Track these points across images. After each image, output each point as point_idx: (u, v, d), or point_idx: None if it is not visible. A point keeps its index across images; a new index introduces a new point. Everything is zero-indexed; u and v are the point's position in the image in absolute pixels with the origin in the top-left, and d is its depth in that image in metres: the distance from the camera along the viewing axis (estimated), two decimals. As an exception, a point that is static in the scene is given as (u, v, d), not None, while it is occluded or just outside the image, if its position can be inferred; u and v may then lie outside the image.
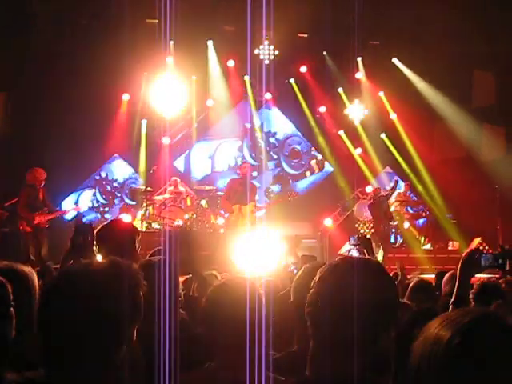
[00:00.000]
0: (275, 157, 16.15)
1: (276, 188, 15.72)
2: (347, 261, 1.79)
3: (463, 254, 3.14)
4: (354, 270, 1.70)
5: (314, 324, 1.73)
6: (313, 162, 16.28)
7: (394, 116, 15.89)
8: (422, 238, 14.10)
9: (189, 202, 13.28)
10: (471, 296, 3.80)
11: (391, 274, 5.17)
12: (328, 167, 16.18)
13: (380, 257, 11.82)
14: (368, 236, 11.35)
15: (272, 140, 16.19)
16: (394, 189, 13.28)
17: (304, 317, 1.74)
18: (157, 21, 14.14)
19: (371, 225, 13.70)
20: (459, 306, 2.95)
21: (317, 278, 1.77)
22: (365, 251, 4.13)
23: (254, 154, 15.89)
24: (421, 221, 14.80)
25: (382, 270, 1.82)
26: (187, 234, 6.30)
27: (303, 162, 16.29)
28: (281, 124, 16.21)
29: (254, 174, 14.71)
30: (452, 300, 3.05)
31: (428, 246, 13.89)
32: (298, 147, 16.33)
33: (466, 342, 1.19)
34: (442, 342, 1.21)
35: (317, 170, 16.27)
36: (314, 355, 1.73)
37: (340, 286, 1.69)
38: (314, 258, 7.03)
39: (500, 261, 3.04)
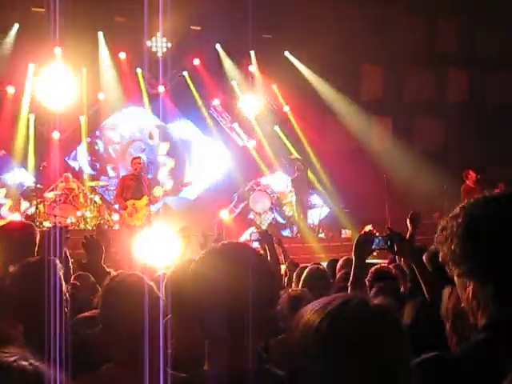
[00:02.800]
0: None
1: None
2: (220, 255, 1.78)
3: (356, 238, 3.27)
4: (226, 263, 1.71)
5: (200, 324, 1.73)
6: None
7: (286, 108, 16.17)
8: (317, 228, 14.45)
9: (81, 199, 12.89)
10: (366, 282, 3.95)
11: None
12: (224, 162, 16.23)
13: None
14: (269, 231, 11.57)
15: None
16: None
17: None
18: (43, 10, 13.66)
19: (289, 199, 14.36)
20: (357, 287, 3.07)
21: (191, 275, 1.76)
22: (266, 246, 4.17)
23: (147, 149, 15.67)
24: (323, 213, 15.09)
25: (262, 259, 1.84)
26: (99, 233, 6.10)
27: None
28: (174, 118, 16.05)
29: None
30: (350, 281, 3.15)
31: (322, 235, 14.25)
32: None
33: (332, 326, 1.21)
34: (311, 327, 1.23)
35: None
36: (209, 351, 1.73)
37: (214, 281, 1.68)
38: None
39: (389, 242, 3.20)
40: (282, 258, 6.14)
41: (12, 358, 1.16)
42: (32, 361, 1.18)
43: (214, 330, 1.67)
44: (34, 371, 1.15)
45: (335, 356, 1.19)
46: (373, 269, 4.14)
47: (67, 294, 2.85)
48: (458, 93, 16.83)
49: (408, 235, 4.21)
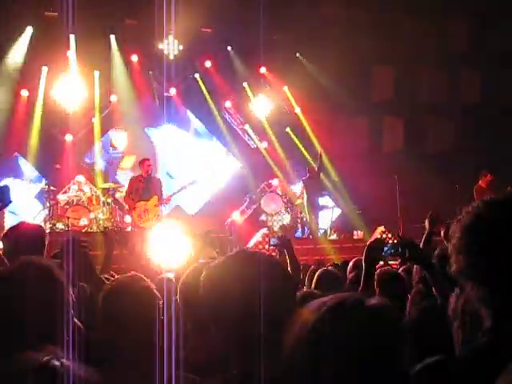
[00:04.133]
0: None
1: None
2: (237, 260, 1.80)
3: (367, 243, 3.29)
4: (245, 267, 1.72)
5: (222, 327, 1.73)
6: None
7: (298, 110, 16.17)
8: (329, 229, 14.43)
9: (94, 201, 12.96)
10: (375, 284, 3.96)
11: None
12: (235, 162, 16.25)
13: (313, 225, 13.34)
14: (280, 233, 11.61)
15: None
16: (320, 160, 13.60)
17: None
18: (56, 13, 13.77)
19: (300, 200, 14.22)
20: (366, 294, 3.08)
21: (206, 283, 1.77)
22: (285, 251, 4.20)
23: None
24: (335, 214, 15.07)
25: (274, 263, 1.85)
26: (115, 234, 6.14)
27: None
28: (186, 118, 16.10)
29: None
30: (360, 288, 3.17)
31: (334, 237, 14.23)
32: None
33: (327, 325, 1.22)
34: (307, 326, 1.24)
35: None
36: (236, 354, 1.73)
37: (234, 288, 1.69)
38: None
39: (399, 249, 3.22)
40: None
41: (45, 358, 1.19)
42: (64, 360, 1.21)
43: (227, 330, 1.70)
44: (65, 371, 1.18)
45: (329, 355, 1.20)
46: (378, 270, 4.15)
47: (73, 296, 2.88)
48: (471, 93, 16.74)
49: (425, 235, 4.21)
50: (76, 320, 2.68)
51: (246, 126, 16.17)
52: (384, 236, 13.05)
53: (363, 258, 3.28)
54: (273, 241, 4.49)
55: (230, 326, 1.68)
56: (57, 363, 1.19)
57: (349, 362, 1.19)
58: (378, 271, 3.99)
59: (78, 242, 3.64)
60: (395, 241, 3.33)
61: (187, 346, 2.57)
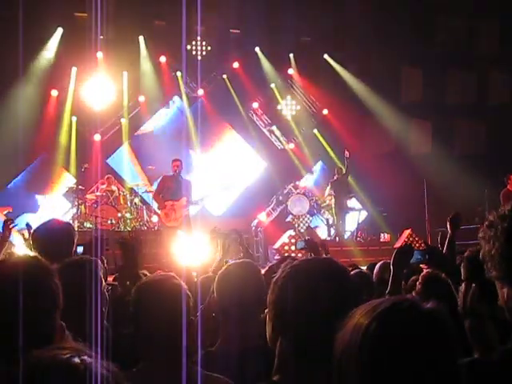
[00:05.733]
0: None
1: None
2: (304, 265, 1.79)
3: (396, 248, 3.29)
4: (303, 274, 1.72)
5: (283, 332, 1.71)
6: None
7: (325, 111, 16.13)
8: (355, 232, 14.35)
9: (122, 201, 13.05)
10: (417, 285, 3.96)
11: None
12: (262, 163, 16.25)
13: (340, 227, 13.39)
14: (306, 235, 11.59)
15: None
16: (348, 162, 13.56)
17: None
18: (86, 14, 13.93)
19: (327, 202, 14.30)
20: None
21: (275, 288, 1.76)
22: (312, 255, 4.20)
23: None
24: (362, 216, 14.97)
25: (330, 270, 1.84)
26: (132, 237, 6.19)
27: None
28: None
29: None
30: (388, 291, 3.16)
31: (360, 239, 14.14)
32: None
33: (382, 328, 1.20)
34: (360, 329, 1.21)
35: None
36: (282, 362, 1.71)
37: (302, 291, 1.68)
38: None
39: (427, 256, 3.24)
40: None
41: (65, 356, 1.19)
42: (85, 357, 1.20)
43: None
44: (86, 369, 1.18)
45: (385, 359, 1.18)
46: (424, 272, 4.12)
47: (107, 294, 2.91)
48: (499, 94, 16.53)
49: (448, 239, 4.16)
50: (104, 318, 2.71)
51: (273, 127, 16.17)
52: (411, 239, 12.95)
53: (391, 261, 3.26)
54: (300, 244, 4.51)
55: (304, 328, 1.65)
56: (77, 360, 1.18)
57: (403, 366, 1.17)
58: (423, 273, 3.96)
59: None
60: (422, 246, 3.34)
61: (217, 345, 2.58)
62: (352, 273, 4.81)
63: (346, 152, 13.68)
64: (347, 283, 1.73)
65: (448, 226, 4.34)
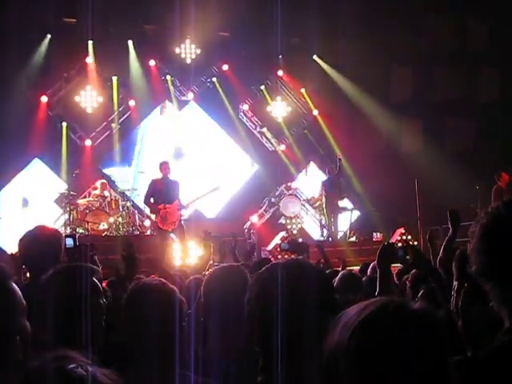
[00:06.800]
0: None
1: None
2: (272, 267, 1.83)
3: (380, 247, 3.32)
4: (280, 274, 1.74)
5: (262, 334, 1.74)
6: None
7: (316, 112, 16.16)
8: (348, 231, 14.38)
9: (114, 205, 13.02)
10: (408, 285, 3.98)
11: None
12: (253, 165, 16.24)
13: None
14: (300, 240, 11.57)
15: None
16: (340, 165, 13.58)
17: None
18: (75, 20, 13.92)
19: (319, 203, 14.26)
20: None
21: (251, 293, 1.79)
22: (295, 257, 4.20)
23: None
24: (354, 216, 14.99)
25: (306, 267, 1.85)
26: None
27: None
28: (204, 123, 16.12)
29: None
30: (377, 292, 3.17)
31: (353, 239, 14.17)
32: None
33: (369, 330, 1.20)
34: (348, 331, 1.21)
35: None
36: (265, 364, 1.73)
37: (271, 294, 1.71)
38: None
39: (406, 255, 3.29)
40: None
41: (70, 366, 1.18)
42: (89, 367, 1.20)
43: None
44: (91, 380, 1.17)
45: (372, 360, 1.18)
46: (413, 272, 4.13)
47: (104, 300, 2.90)
48: (489, 92, 16.60)
49: (449, 236, 4.15)
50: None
51: (264, 129, 16.17)
52: (404, 238, 13.00)
53: (376, 261, 3.29)
54: (284, 246, 4.55)
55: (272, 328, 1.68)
56: (83, 372, 1.18)
57: (393, 367, 1.17)
58: (412, 273, 3.98)
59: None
60: (406, 244, 3.38)
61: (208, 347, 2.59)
62: (340, 274, 4.82)
63: (339, 155, 13.74)
64: (308, 283, 1.75)
65: (449, 224, 4.32)
